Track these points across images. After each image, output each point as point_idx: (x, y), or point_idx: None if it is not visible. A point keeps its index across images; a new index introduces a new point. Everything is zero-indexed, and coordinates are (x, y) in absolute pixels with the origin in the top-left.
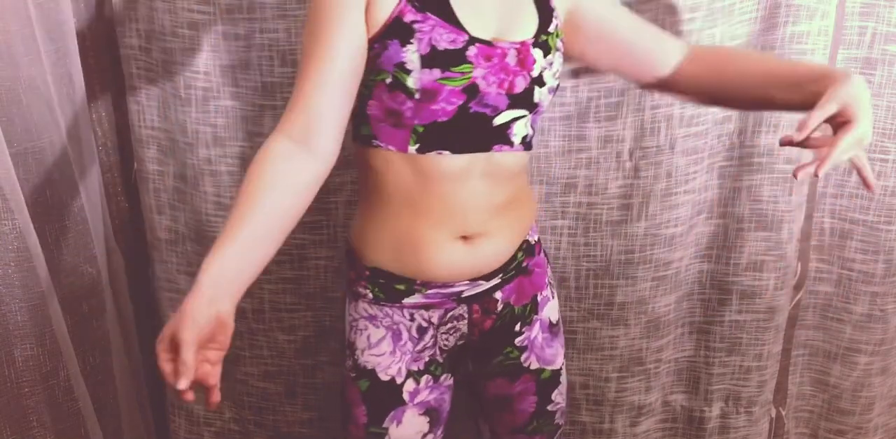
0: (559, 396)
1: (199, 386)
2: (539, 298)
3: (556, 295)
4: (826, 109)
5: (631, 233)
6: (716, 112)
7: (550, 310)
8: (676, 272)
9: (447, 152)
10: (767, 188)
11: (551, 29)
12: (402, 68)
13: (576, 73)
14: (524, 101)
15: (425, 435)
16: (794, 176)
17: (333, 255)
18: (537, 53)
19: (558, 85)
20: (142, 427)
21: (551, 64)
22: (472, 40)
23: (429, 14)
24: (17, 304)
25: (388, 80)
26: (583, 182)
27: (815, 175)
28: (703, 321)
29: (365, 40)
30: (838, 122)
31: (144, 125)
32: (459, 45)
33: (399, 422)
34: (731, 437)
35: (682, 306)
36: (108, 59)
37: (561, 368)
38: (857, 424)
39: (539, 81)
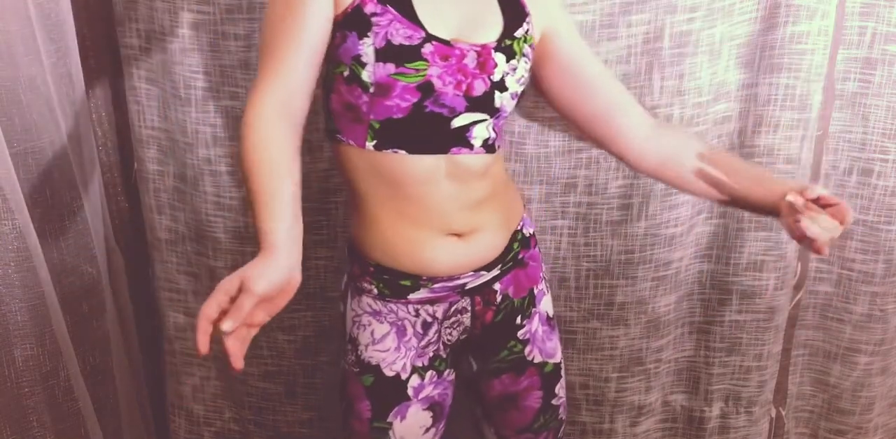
0: (561, 390)
1: (220, 346)
2: (535, 291)
3: (549, 289)
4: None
5: (631, 233)
6: (716, 112)
7: (546, 303)
8: (676, 272)
9: (403, 152)
10: None
11: (518, 33)
12: (359, 61)
13: None
14: (484, 104)
15: (428, 429)
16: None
17: (333, 255)
18: (499, 57)
19: (523, 91)
20: (142, 427)
21: (514, 69)
22: (429, 38)
23: (389, 7)
24: (17, 304)
25: (346, 73)
26: (583, 182)
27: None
28: (703, 321)
29: (331, 15)
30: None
31: (144, 125)
32: (415, 42)
33: (403, 417)
34: (731, 437)
35: (682, 306)
36: (108, 59)
37: (560, 362)
38: (857, 424)
39: (500, 86)
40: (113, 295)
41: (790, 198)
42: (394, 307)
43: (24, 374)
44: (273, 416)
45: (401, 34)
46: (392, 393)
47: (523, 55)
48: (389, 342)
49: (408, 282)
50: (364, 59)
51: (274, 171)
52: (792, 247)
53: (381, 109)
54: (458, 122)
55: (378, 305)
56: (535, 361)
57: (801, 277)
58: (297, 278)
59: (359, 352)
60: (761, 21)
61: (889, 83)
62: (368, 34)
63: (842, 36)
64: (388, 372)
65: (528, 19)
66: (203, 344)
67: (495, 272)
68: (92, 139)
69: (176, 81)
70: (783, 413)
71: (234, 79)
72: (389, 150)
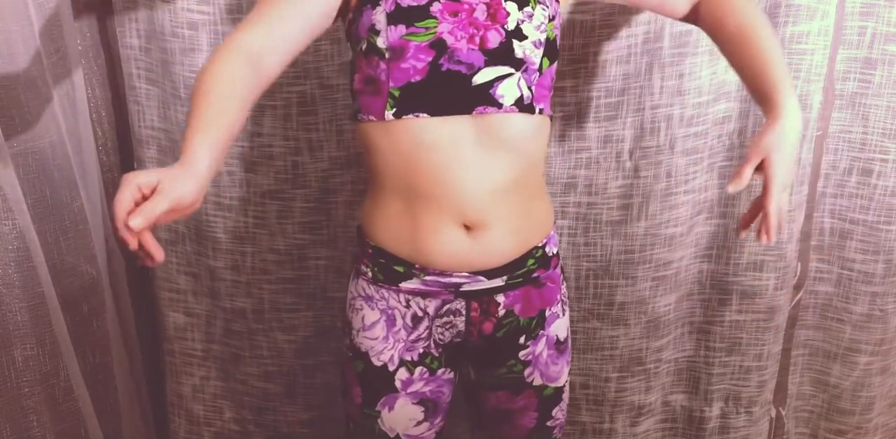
0: (559, 412)
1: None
2: (547, 314)
3: (566, 313)
4: (752, 161)
5: (631, 233)
6: (716, 112)
7: (558, 327)
8: (676, 272)
9: (425, 115)
10: None
11: None
12: (373, 30)
13: (576, 73)
14: (504, 56)
15: (420, 422)
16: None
17: (333, 255)
18: (510, 6)
19: (551, 38)
20: (142, 427)
21: (531, 16)
22: None
23: None
24: (17, 304)
25: (364, 46)
26: (583, 182)
27: (770, 241)
28: (703, 321)
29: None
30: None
31: (144, 125)
32: (423, 2)
33: (391, 408)
34: (731, 437)
35: (682, 306)
36: (108, 59)
37: (564, 385)
38: (857, 424)
39: (517, 35)
40: (113, 295)
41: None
42: (385, 293)
43: (24, 374)
44: (273, 416)
45: None
46: (380, 383)
47: (538, 2)
48: (378, 330)
49: (401, 269)
50: (378, 27)
51: (218, 98)
52: (792, 247)
53: (398, 74)
54: (479, 79)
55: (371, 290)
56: (535, 384)
57: (801, 277)
58: (199, 202)
59: (352, 336)
60: None
61: (889, 83)
62: (380, 2)
63: (842, 36)
64: (376, 362)
65: None
66: (132, 241)
67: (497, 282)
68: (92, 139)
69: (176, 81)
70: (783, 413)
71: None
72: (410, 115)
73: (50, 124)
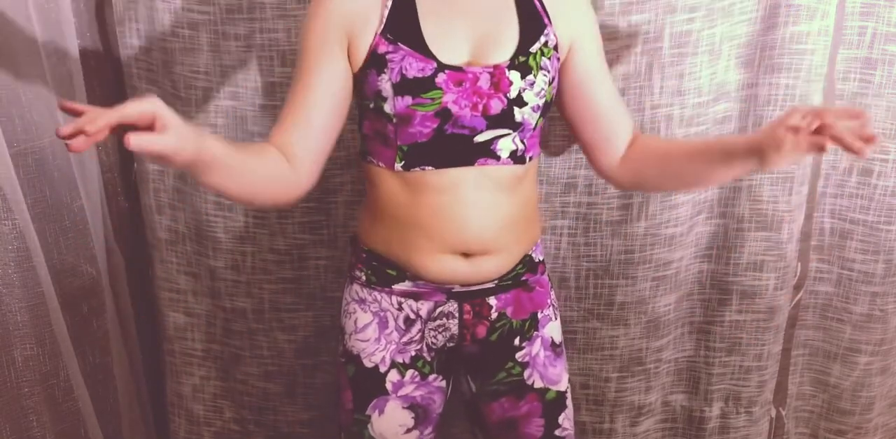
0: (567, 421)
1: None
2: (540, 316)
3: (558, 317)
4: (790, 117)
5: (631, 233)
6: (716, 112)
7: (552, 329)
8: (676, 272)
9: (430, 168)
10: (767, 188)
11: (534, 48)
12: (380, 96)
13: None
14: (504, 121)
15: (410, 429)
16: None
17: (333, 255)
18: (514, 75)
19: (549, 101)
20: (142, 427)
21: (532, 84)
22: (442, 67)
23: (400, 45)
24: (17, 304)
25: (371, 106)
26: (583, 182)
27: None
28: (703, 321)
29: (346, 74)
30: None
31: None
32: (428, 73)
33: (381, 412)
34: (731, 437)
35: (682, 306)
36: (108, 59)
37: (566, 391)
38: (857, 424)
39: (518, 102)
40: (113, 295)
41: (794, 121)
42: (378, 296)
43: (24, 374)
44: (273, 416)
45: (414, 67)
46: (371, 385)
47: (541, 69)
48: (370, 332)
49: (393, 272)
50: (384, 94)
51: (245, 148)
52: (792, 247)
53: (405, 136)
54: (480, 138)
55: (364, 293)
56: (536, 386)
57: (801, 277)
58: (171, 148)
59: (345, 341)
60: (761, 21)
61: (889, 83)
62: (385, 71)
63: (842, 36)
64: (368, 364)
65: (546, 31)
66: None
67: (488, 285)
68: None
69: (176, 81)
70: (783, 413)
71: (234, 79)
72: (417, 169)
73: (50, 124)
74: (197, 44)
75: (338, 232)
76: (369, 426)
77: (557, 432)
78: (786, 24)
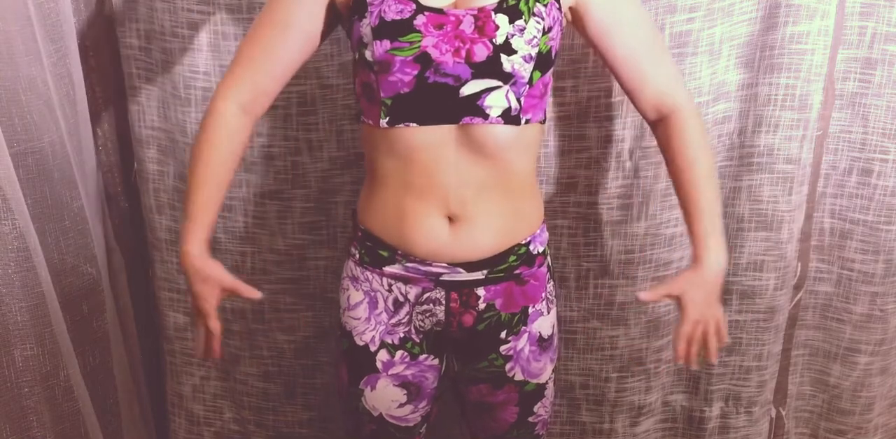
0: (542, 409)
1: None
2: (531, 311)
3: (552, 311)
4: (667, 290)
5: (631, 233)
6: (716, 112)
7: (542, 324)
8: (676, 272)
9: (414, 124)
10: (767, 188)
11: None
12: (361, 42)
13: (576, 73)
14: (491, 70)
15: (403, 404)
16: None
17: (333, 255)
18: (501, 19)
19: (544, 51)
20: (142, 427)
21: (522, 30)
22: (421, 8)
23: None
24: (17, 304)
25: (357, 56)
26: (583, 182)
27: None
28: None
29: (321, 22)
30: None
31: (144, 125)
32: (407, 15)
33: (373, 388)
34: (731, 437)
35: None
36: (108, 59)
37: (547, 382)
38: (857, 424)
39: (506, 49)
40: (113, 295)
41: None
42: (370, 276)
43: (24, 374)
44: (273, 416)
45: (393, 10)
46: (363, 362)
47: (533, 14)
48: (361, 311)
49: (385, 253)
50: (365, 40)
51: (214, 169)
52: (792, 247)
53: (388, 86)
54: (467, 90)
55: (357, 271)
56: (516, 379)
57: (801, 277)
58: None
59: (340, 315)
60: (761, 21)
61: (889, 83)
62: (366, 15)
63: (842, 36)
64: (359, 342)
65: None
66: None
67: (477, 275)
68: (92, 139)
69: (176, 81)
70: (783, 413)
71: None
72: (401, 125)
73: (50, 124)
74: (197, 44)
75: (338, 232)
76: (363, 399)
77: (531, 418)
78: (786, 24)
